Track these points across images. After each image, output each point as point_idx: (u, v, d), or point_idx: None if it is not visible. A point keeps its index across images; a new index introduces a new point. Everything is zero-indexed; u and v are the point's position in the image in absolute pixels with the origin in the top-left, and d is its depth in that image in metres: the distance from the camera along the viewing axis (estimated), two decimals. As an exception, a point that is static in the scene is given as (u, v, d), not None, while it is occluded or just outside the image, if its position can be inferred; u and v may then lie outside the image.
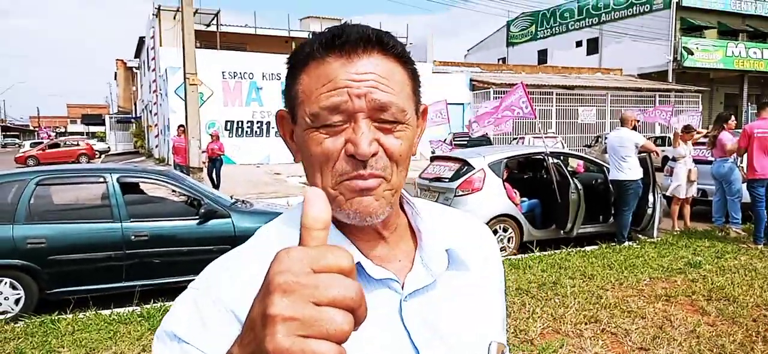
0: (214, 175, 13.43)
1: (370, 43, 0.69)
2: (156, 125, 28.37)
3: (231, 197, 6.43)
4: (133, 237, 5.31)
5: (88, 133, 56.64)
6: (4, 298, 4.94)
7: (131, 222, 5.37)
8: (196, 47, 12.33)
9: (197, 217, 5.63)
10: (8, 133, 74.39)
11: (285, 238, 0.72)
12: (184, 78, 12.01)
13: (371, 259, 0.73)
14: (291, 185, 16.66)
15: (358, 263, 0.68)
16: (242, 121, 23.96)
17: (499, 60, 39.09)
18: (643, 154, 7.36)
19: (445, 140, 17.19)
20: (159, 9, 26.68)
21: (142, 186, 6.25)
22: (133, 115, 44.74)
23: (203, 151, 12.25)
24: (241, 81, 23.80)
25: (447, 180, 7.43)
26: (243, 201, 6.53)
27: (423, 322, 0.72)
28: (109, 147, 39.45)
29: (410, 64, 0.74)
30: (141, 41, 35.24)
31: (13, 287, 4.98)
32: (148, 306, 4.72)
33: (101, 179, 5.53)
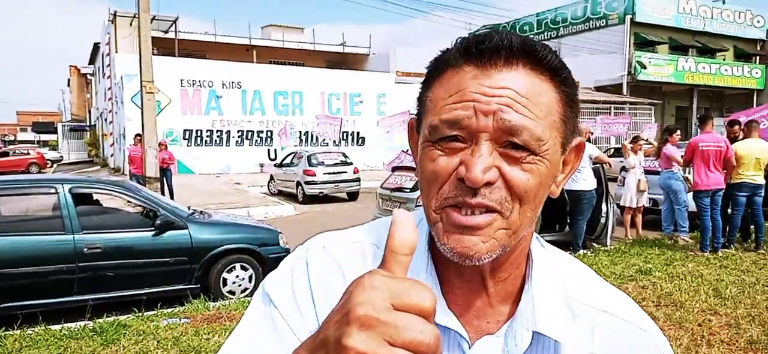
0: (165, 186, 13.11)
1: (514, 53, 0.59)
2: (111, 134, 27.53)
3: (188, 208, 6.32)
4: (85, 249, 5.15)
5: (39, 142, 54.38)
6: (-55, 315, 4.70)
7: (84, 234, 5.21)
8: (154, 54, 12.08)
9: (153, 228, 5.51)
10: (-49, 141, 70.67)
11: (382, 242, 0.62)
12: (141, 85, 11.73)
13: (457, 308, 0.65)
14: (251, 195, 16.44)
15: None
16: (201, 130, 23.51)
17: (460, 71, 39.52)
18: (596, 165, 7.62)
19: (407, 151, 17.35)
20: (115, 15, 25.98)
21: (97, 197, 6.07)
22: (88, 124, 43.28)
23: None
24: (199, 89, 23.37)
25: (408, 190, 7.52)
26: (201, 212, 6.43)
27: None
28: (61, 156, 37.99)
29: (567, 87, 0.63)
30: (96, 48, 34.21)
31: (-45, 303, 4.76)
32: (100, 320, 4.56)
33: (52, 190, 5.34)
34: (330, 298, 0.60)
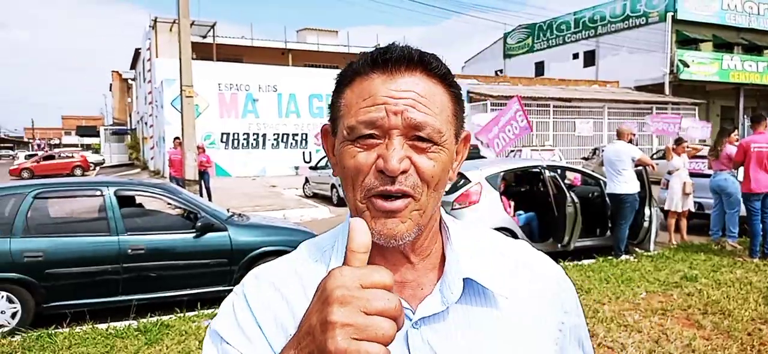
0: (203, 189, 13.38)
1: (413, 63, 0.71)
2: (151, 137, 28.34)
3: (227, 210, 6.43)
4: (129, 250, 5.30)
5: (82, 145, 56.39)
6: (1, 312, 4.91)
7: (128, 235, 5.36)
8: (193, 59, 12.35)
9: (194, 230, 5.63)
10: (2, 145, 74.12)
11: (313, 259, 0.80)
12: (181, 90, 12.02)
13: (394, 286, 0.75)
14: (287, 198, 16.64)
15: None
16: (238, 133, 23.95)
17: (496, 72, 39.27)
18: (639, 168, 7.40)
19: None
20: (155, 20, 26.78)
21: (139, 199, 6.24)
22: (129, 127, 44.67)
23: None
24: (237, 93, 23.81)
25: (444, 193, 7.45)
26: (239, 214, 6.53)
27: (430, 351, 0.71)
28: (104, 159, 39.28)
29: (454, 88, 0.75)
30: (137, 53, 35.32)
31: (10, 301, 4.96)
32: (144, 320, 4.69)
33: (98, 192, 5.52)
34: (275, 319, 0.73)
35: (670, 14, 27.61)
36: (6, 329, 4.83)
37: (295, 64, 29.93)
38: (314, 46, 34.06)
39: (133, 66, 39.00)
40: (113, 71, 47.72)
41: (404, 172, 0.68)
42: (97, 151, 46.45)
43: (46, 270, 5.05)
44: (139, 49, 33.34)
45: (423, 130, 0.69)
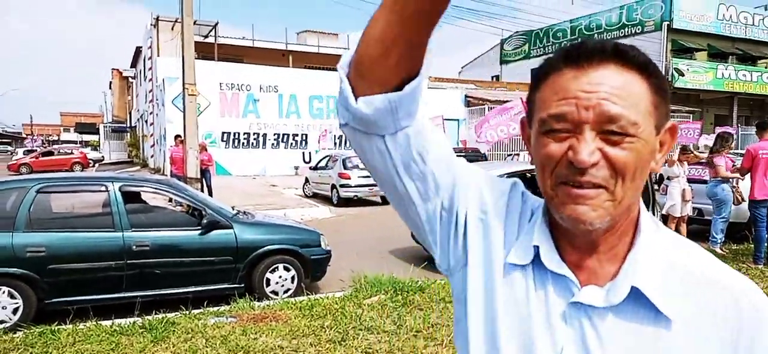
0: (204, 187, 13.36)
1: (606, 55, 0.71)
2: (152, 135, 28.27)
3: (232, 208, 6.39)
4: (134, 247, 5.25)
5: (81, 142, 56.23)
6: (2, 307, 4.84)
7: (133, 231, 5.31)
8: (195, 58, 12.30)
9: (199, 227, 5.58)
10: (0, 141, 73.90)
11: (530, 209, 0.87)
12: (183, 88, 11.97)
13: (571, 266, 0.76)
14: (287, 197, 16.60)
15: (536, 247, 0.77)
16: (239, 133, 23.94)
17: (492, 77, 39.54)
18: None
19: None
20: (157, 19, 26.72)
21: (144, 195, 6.19)
22: (128, 125, 44.57)
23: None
24: (238, 92, 23.81)
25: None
26: (244, 212, 6.49)
27: (579, 337, 0.73)
28: (103, 156, 39.15)
29: (655, 78, 0.73)
30: (138, 51, 35.24)
31: (12, 296, 4.89)
32: (149, 317, 4.64)
33: (103, 187, 5.47)
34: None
35: (665, 23, 27.72)
36: (7, 325, 4.77)
37: (296, 66, 29.91)
38: (315, 48, 34.06)
39: (134, 64, 38.91)
40: (113, 69, 47.60)
41: (594, 164, 0.69)
42: (96, 148, 46.35)
43: (48, 265, 5.00)
44: (140, 47, 33.26)
45: (615, 122, 0.69)
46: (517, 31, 38.83)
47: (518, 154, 20.27)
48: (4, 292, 4.86)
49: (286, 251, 5.85)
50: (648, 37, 28.39)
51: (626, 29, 29.84)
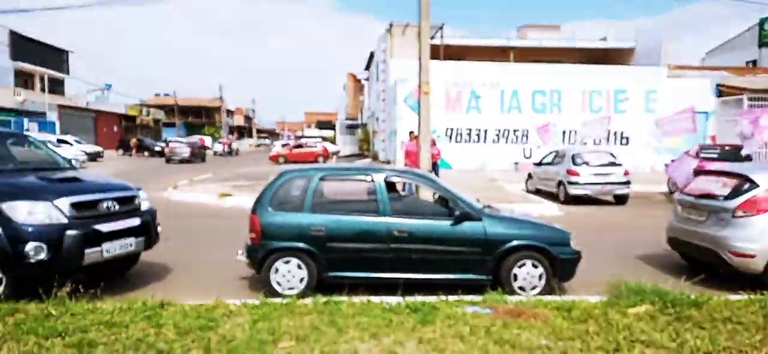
0: None
1: None
2: (383, 131, 30.73)
3: (477, 201, 6.50)
4: (396, 232, 5.71)
5: (321, 137, 64.17)
6: (292, 276, 5.73)
7: (394, 218, 5.78)
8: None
9: (450, 218, 5.82)
10: (260, 135, 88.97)
11: None
12: (419, 86, 12.68)
13: None
14: (510, 192, 16.41)
15: None
16: (461, 129, 24.59)
17: (747, 63, 33.39)
18: None
19: (691, 152, 15.02)
20: (391, 25, 28.94)
21: (398, 186, 6.68)
22: (359, 122, 49.25)
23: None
24: (461, 90, 24.45)
25: (721, 198, 6.42)
26: (488, 206, 6.56)
27: None
28: (339, 149, 44.06)
29: None
30: (371, 56, 38.64)
31: (299, 267, 5.76)
32: (410, 298, 4.96)
33: (369, 178, 6.08)
34: None
35: None
36: (295, 291, 5.62)
37: (517, 61, 29.42)
38: (536, 42, 33.04)
39: (368, 67, 42.80)
40: (349, 73, 53.08)
41: None
42: (332, 142, 52.39)
43: (327, 243, 5.74)
44: (374, 52, 36.40)
45: None
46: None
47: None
48: (295, 263, 5.74)
49: (534, 248, 5.75)
50: None
51: None
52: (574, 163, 14.52)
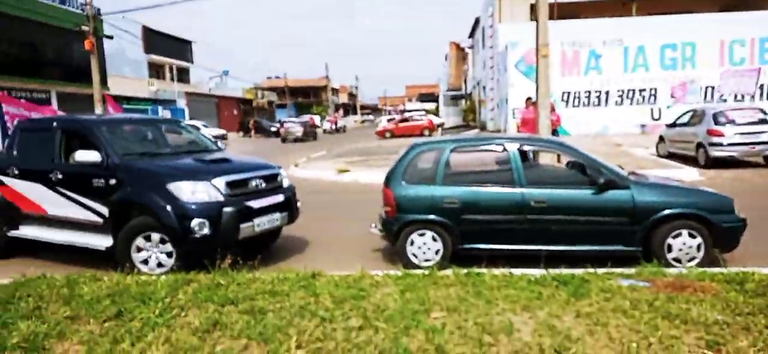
0: None
1: None
2: (491, 99, 29.92)
3: (620, 167, 6.08)
4: (533, 202, 5.51)
5: (425, 110, 64.15)
6: (428, 248, 5.76)
7: (530, 188, 5.58)
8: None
9: (593, 186, 5.49)
10: (363, 112, 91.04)
11: None
12: (537, 49, 12.10)
13: None
14: (639, 157, 15.27)
15: None
16: (579, 92, 23.24)
17: None
18: None
19: None
20: (499, -13, 27.87)
21: (532, 155, 6.43)
22: (464, 92, 48.39)
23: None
24: (579, 50, 23.03)
25: None
26: (634, 173, 6.11)
27: None
28: (443, 121, 43.78)
29: None
30: (476, 22, 37.57)
31: (434, 240, 5.77)
32: (555, 270, 4.78)
33: (502, 147, 5.90)
34: None
35: None
36: (431, 263, 5.64)
37: (640, 14, 27.00)
38: (660, -10, 30.06)
39: (472, 34, 41.74)
40: (452, 42, 52.13)
41: None
42: (434, 114, 52.09)
43: (461, 215, 5.68)
44: (479, 17, 35.35)
45: None
46: None
47: None
48: (430, 235, 5.77)
49: (691, 216, 5.26)
50: None
51: None
52: (717, 123, 13.14)
